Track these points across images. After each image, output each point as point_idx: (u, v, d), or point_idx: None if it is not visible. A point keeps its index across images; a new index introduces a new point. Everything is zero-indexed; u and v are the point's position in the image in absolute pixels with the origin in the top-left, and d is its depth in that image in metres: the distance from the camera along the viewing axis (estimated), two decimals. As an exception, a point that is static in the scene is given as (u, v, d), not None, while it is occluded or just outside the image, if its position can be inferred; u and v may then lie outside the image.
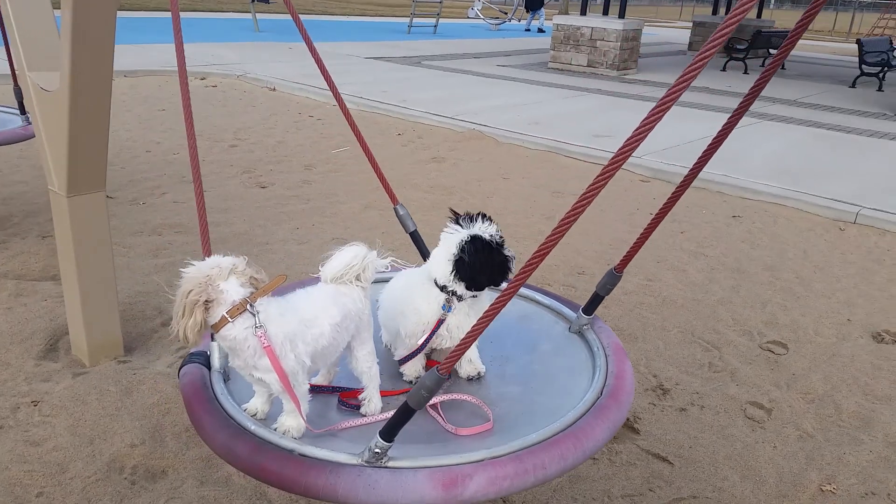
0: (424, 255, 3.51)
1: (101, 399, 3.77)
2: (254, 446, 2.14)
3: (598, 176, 1.75)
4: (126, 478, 3.25)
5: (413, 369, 2.74)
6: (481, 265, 2.54)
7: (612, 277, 2.78)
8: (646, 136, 1.70)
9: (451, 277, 2.55)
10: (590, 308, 2.89)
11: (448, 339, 2.69)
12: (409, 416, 1.96)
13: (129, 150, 8.53)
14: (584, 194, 1.74)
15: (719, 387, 4.19)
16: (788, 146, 9.76)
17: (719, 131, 2.30)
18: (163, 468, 3.33)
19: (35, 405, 3.70)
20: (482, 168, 8.60)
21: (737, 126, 1.62)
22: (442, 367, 1.89)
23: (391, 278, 2.98)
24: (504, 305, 1.86)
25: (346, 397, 2.57)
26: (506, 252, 2.59)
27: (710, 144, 2.37)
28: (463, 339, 1.91)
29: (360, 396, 2.50)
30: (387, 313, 2.82)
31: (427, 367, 2.81)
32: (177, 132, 9.39)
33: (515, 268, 2.58)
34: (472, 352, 2.78)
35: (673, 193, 2.48)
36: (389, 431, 2.00)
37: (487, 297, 2.71)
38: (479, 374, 2.77)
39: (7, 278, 5.06)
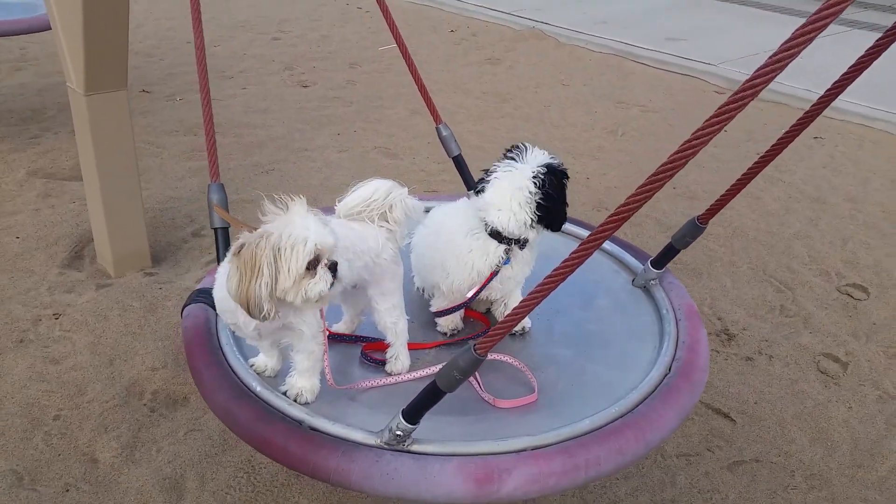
0: (468, 182, 3.11)
1: (123, 315, 3.58)
2: (257, 413, 1.87)
3: (725, 104, 1.30)
4: (145, 404, 3.07)
5: (450, 321, 2.40)
6: (563, 201, 2.18)
7: (694, 229, 2.35)
8: (799, 51, 1.24)
9: (530, 220, 2.16)
10: (661, 261, 2.49)
11: (499, 290, 2.34)
12: (439, 398, 1.64)
13: (169, 41, 8.12)
14: (700, 130, 1.31)
15: (791, 334, 3.79)
16: (882, 59, 8.77)
17: (865, 54, 1.81)
18: (185, 395, 3.14)
19: (56, 318, 3.53)
20: (540, 72, 7.97)
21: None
22: (480, 346, 1.55)
23: (429, 210, 2.60)
24: (568, 274, 1.48)
25: (369, 350, 2.27)
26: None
27: (851, 68, 1.87)
28: (509, 314, 1.54)
29: (387, 353, 2.19)
30: (423, 262, 2.46)
31: (465, 317, 2.48)
32: (220, 22, 8.92)
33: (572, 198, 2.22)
34: (518, 298, 2.43)
35: (787, 133, 2.01)
36: (414, 412, 1.69)
37: (532, 250, 2.34)
38: (523, 329, 2.43)
39: (36, 176, 4.85)
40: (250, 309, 1.68)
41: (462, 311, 2.42)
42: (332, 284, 1.77)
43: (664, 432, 1.91)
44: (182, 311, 2.34)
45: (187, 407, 3.07)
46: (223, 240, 2.36)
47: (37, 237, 4.16)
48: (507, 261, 2.24)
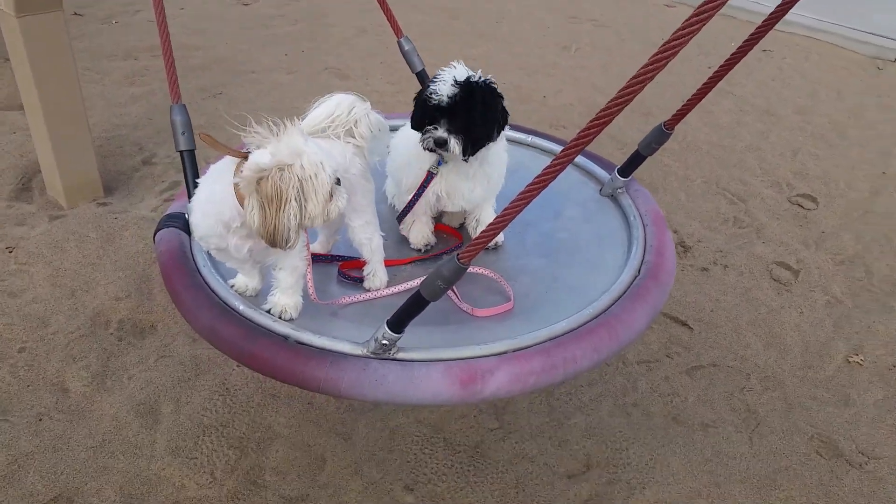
0: None
1: (80, 246, 3.49)
2: (242, 330, 1.87)
3: (690, 17, 1.30)
4: (112, 333, 3.04)
5: (420, 236, 2.42)
6: (412, 122, 2.16)
7: (660, 135, 2.39)
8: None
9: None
10: (627, 169, 2.53)
11: (447, 201, 2.35)
12: (422, 307, 1.67)
13: (97, -43, 7.62)
14: (667, 43, 1.30)
15: (744, 245, 3.94)
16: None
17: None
18: (151, 323, 3.11)
19: (10, 252, 3.42)
20: (490, -13, 7.80)
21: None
22: (463, 255, 1.57)
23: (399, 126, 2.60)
24: (546, 185, 1.50)
25: (346, 268, 2.28)
26: (432, 123, 2.13)
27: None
28: (491, 224, 1.56)
29: (364, 270, 2.21)
30: (393, 162, 2.48)
31: (436, 231, 2.50)
32: (149, -64, 8.38)
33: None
34: (490, 215, 2.46)
35: (746, 41, 2.03)
36: (398, 322, 1.72)
37: (493, 155, 2.34)
38: (496, 244, 2.47)
39: (-31, 106, 4.60)
40: (276, 239, 1.69)
41: (431, 225, 2.44)
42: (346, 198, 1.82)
43: (636, 330, 1.99)
44: (154, 236, 2.30)
45: (155, 335, 3.06)
46: (190, 163, 2.29)
47: (-23, 169, 3.98)
48: (440, 162, 2.26)
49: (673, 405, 2.93)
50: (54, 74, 3.51)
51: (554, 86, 5.60)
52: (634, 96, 1.39)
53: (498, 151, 2.36)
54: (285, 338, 1.87)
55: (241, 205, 1.73)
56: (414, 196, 2.32)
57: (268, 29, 6.23)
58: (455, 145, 2.11)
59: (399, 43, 3.12)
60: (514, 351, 1.85)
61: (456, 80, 2.09)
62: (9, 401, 2.69)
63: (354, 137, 2.09)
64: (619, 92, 1.37)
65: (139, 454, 2.55)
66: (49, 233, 3.56)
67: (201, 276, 2.06)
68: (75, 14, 6.13)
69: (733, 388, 3.03)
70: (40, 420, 2.63)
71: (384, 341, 1.75)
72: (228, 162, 1.80)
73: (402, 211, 2.40)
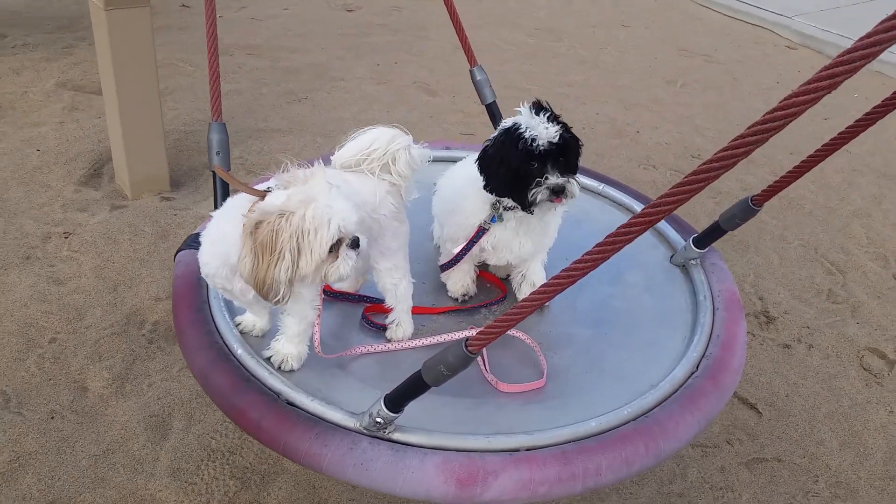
0: None
1: (133, 240, 3.47)
2: (234, 380, 1.71)
3: (821, 71, 0.97)
4: (144, 335, 2.97)
5: (459, 285, 2.19)
6: (500, 163, 1.90)
7: (746, 210, 2.07)
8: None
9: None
10: (704, 240, 2.21)
11: (493, 256, 2.11)
12: (423, 391, 1.45)
13: (218, -47, 7.84)
14: (791, 98, 0.97)
15: (836, 323, 3.48)
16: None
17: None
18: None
19: (66, 237, 3.44)
20: (599, 9, 7.48)
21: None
22: (473, 344, 1.33)
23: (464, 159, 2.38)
24: (606, 258, 1.21)
25: (371, 312, 2.09)
26: (540, 171, 1.86)
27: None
28: (521, 303, 1.29)
29: (387, 318, 2.01)
30: (440, 204, 2.27)
31: (479, 278, 2.26)
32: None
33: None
34: (537, 271, 2.20)
35: (875, 109, 1.66)
36: (396, 400, 1.50)
37: (553, 217, 2.08)
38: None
39: (65, 88, 4.73)
40: (264, 292, 1.54)
41: (473, 274, 2.21)
42: (353, 263, 1.63)
43: (680, 442, 1.68)
44: (175, 255, 2.20)
45: (186, 342, 2.96)
46: (222, 184, 2.19)
47: (57, 151, 4.06)
48: (493, 218, 2.02)
49: (723, 501, 2.57)
50: (133, 68, 3.52)
51: (652, 121, 5.25)
52: (739, 160, 1.06)
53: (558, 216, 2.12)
54: (277, 395, 1.69)
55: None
56: (460, 251, 2.09)
57: (366, 37, 6.17)
58: (574, 190, 1.88)
59: (472, 72, 2.91)
60: (528, 450, 1.58)
61: (552, 122, 1.86)
62: (27, 393, 2.65)
63: (391, 174, 1.90)
64: (720, 152, 1.05)
65: (139, 470, 2.44)
66: (107, 222, 3.56)
67: (209, 308, 1.93)
68: (183, 6, 6.27)
69: (796, 491, 2.64)
70: (52, 418, 2.57)
71: (378, 419, 1.53)
72: (244, 200, 1.64)
73: (445, 264, 2.18)
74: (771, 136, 1.01)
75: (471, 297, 2.24)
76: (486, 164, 1.95)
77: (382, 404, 1.51)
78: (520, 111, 1.93)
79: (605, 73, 5.98)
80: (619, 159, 4.70)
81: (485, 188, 1.96)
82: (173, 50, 5.43)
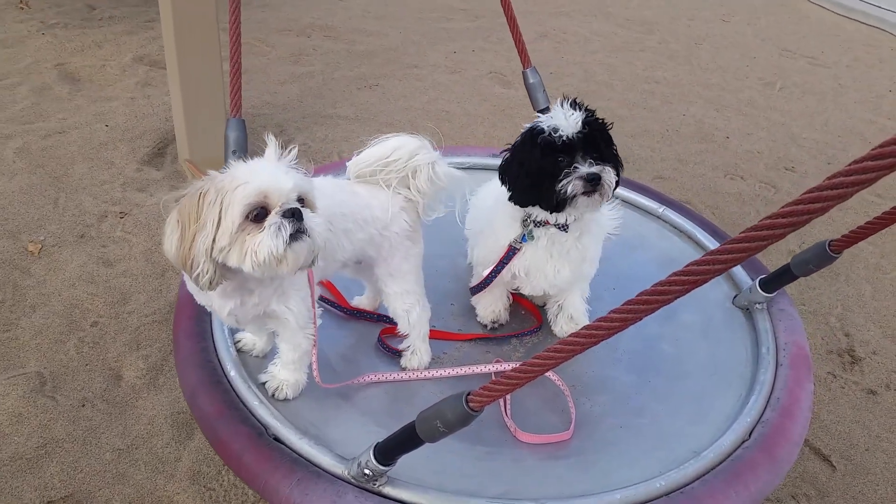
0: None
1: (186, 224, 3.42)
2: (220, 405, 1.59)
3: None
4: (186, 324, 2.92)
5: (489, 310, 2.01)
6: (521, 169, 1.71)
7: (822, 256, 1.80)
8: None
9: None
10: (773, 284, 1.95)
11: (527, 283, 1.90)
12: (417, 445, 1.29)
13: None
14: None
15: (936, 371, 3.10)
16: None
17: None
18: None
19: (122, 217, 3.43)
20: (698, 2, 7.03)
21: None
22: (474, 400, 1.16)
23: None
24: (669, 301, 0.99)
25: (388, 335, 1.92)
26: (568, 163, 1.65)
27: None
28: (539, 357, 1.10)
29: (402, 345, 1.85)
30: (472, 223, 2.10)
31: (515, 304, 2.07)
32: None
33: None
34: (576, 304, 1.99)
35: None
36: (387, 452, 1.34)
37: (594, 223, 1.86)
38: (576, 324, 2.01)
39: (141, 63, 4.76)
40: (188, 271, 1.35)
41: (506, 300, 2.02)
42: (291, 240, 1.35)
43: None
44: None
45: (226, 335, 2.89)
46: None
47: (124, 128, 4.07)
48: (524, 237, 1.82)
49: (785, 571, 2.30)
50: (196, 45, 3.47)
51: (743, 126, 4.86)
52: (845, 198, 0.83)
53: (599, 220, 1.89)
54: (265, 428, 1.56)
55: None
56: (489, 274, 1.90)
57: (446, 22, 5.98)
58: (610, 179, 1.67)
59: (524, 74, 2.71)
60: None
61: (577, 110, 1.68)
62: (63, 377, 2.63)
63: (409, 189, 1.73)
64: (826, 182, 0.82)
65: (160, 470, 2.38)
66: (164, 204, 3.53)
67: (210, 320, 1.82)
68: (265, -16, 6.24)
69: (873, 568, 2.34)
70: (83, 406, 2.54)
71: (366, 470, 1.38)
72: None
73: (475, 287, 2.00)
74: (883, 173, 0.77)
75: (501, 324, 2.06)
76: (508, 171, 1.76)
77: (372, 454, 1.36)
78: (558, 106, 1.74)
79: (696, 71, 5.59)
80: (703, 167, 4.36)
81: (510, 199, 1.77)
82: (250, 29, 5.40)
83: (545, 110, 2.62)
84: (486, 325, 2.04)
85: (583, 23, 6.17)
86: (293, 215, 1.35)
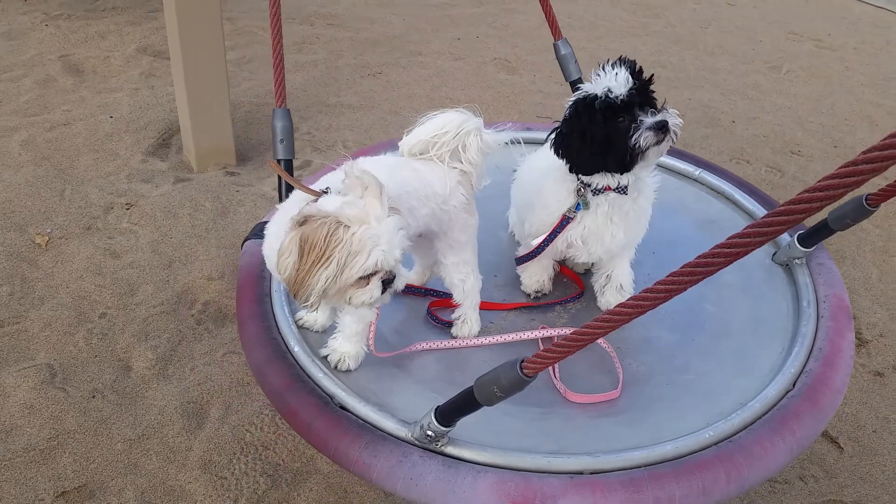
0: None
1: (193, 215, 3.43)
2: (288, 379, 1.68)
3: None
4: (193, 315, 2.93)
5: (535, 280, 2.06)
6: (582, 139, 1.72)
7: (859, 210, 1.82)
8: None
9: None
10: (811, 238, 1.99)
11: (583, 250, 1.93)
12: (475, 408, 1.36)
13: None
14: None
15: (944, 354, 3.09)
16: None
17: None
18: (234, 311, 2.97)
19: (128, 209, 3.44)
20: (704, -14, 6.97)
21: None
22: (528, 367, 1.22)
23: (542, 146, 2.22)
24: (715, 270, 1.01)
25: (437, 307, 2.00)
26: (622, 120, 1.68)
27: None
28: (592, 324, 1.12)
29: (453, 314, 1.93)
30: (519, 194, 2.14)
31: (560, 275, 2.10)
32: None
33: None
34: (624, 272, 2.02)
35: None
36: (448, 414, 1.41)
37: (646, 201, 1.87)
38: (619, 286, 2.05)
39: (145, 53, 4.76)
40: (297, 294, 1.47)
41: (552, 269, 2.06)
42: (380, 295, 1.54)
43: (767, 472, 1.49)
44: (242, 244, 2.17)
45: (233, 326, 2.91)
46: (287, 174, 2.12)
47: (129, 119, 4.07)
48: (578, 206, 1.84)
49: (793, 553, 2.31)
50: (200, 33, 3.46)
51: (749, 111, 4.83)
52: (878, 172, 0.84)
53: (650, 182, 1.92)
54: (330, 398, 1.64)
55: None
56: (542, 243, 1.93)
57: (450, 8, 5.95)
58: (675, 121, 1.70)
59: (556, 45, 2.73)
60: (593, 473, 1.45)
61: (617, 67, 1.71)
62: (73, 369, 2.65)
63: (461, 162, 1.79)
64: (861, 156, 0.85)
65: (171, 459, 2.40)
66: (169, 195, 3.54)
67: (271, 301, 1.90)
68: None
69: (881, 549, 2.35)
70: (93, 397, 2.56)
71: (429, 432, 1.45)
72: (302, 198, 1.60)
73: (523, 256, 2.03)
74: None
75: (545, 294, 2.10)
76: (566, 143, 1.77)
77: (433, 416, 1.43)
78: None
79: (702, 55, 5.56)
80: (709, 151, 4.34)
81: (571, 171, 1.80)
82: (254, 18, 5.38)
83: (578, 80, 2.64)
84: (529, 295, 2.09)
85: (588, 7, 6.13)
86: (388, 282, 1.54)
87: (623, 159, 1.71)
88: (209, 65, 3.55)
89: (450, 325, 1.95)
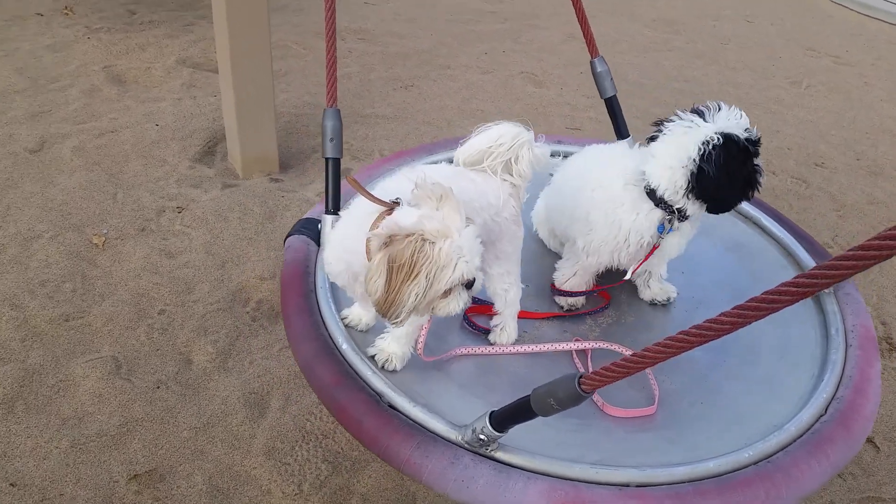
0: (620, 130, 2.73)
1: (242, 219, 3.55)
2: (337, 375, 1.71)
3: None
4: (248, 312, 3.04)
5: (573, 298, 2.13)
6: (731, 180, 1.79)
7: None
8: None
9: (682, 191, 1.84)
10: None
11: (651, 263, 2.04)
12: (530, 417, 1.40)
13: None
14: None
15: (974, 356, 3.18)
16: None
17: None
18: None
19: (179, 212, 3.56)
20: (721, 2, 7.13)
21: None
22: (587, 383, 1.26)
23: (572, 154, 2.31)
24: (761, 315, 1.04)
25: (473, 314, 2.04)
26: (756, 161, 1.82)
27: None
28: (653, 347, 1.17)
29: (492, 321, 1.97)
30: (560, 207, 2.18)
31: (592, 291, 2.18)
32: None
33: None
34: (662, 268, 2.12)
35: None
36: (503, 421, 1.46)
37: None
38: (668, 299, 2.15)
39: (184, 65, 4.91)
40: (388, 312, 1.49)
41: (591, 282, 2.13)
42: (464, 303, 1.59)
43: (803, 492, 1.55)
44: (285, 240, 2.22)
45: (286, 322, 3.02)
46: (334, 172, 2.18)
47: (174, 127, 4.21)
48: (669, 229, 1.93)
49: (837, 542, 2.39)
50: (249, 45, 3.59)
51: (772, 124, 4.95)
52: None
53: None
54: (379, 396, 1.67)
55: (369, 260, 1.55)
56: (634, 271, 2.02)
57: (475, 24, 6.10)
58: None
59: (592, 63, 2.79)
60: (640, 486, 1.49)
61: (733, 113, 1.88)
62: (136, 361, 2.76)
63: (511, 175, 1.84)
64: None
65: (236, 446, 2.50)
66: (218, 200, 3.66)
67: (316, 297, 1.94)
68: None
69: (922, 541, 2.43)
70: (158, 388, 2.67)
71: (482, 436, 1.49)
72: (372, 207, 1.62)
73: (573, 292, 2.10)
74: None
75: (577, 307, 2.17)
76: (716, 186, 1.81)
77: (487, 421, 1.47)
78: (680, 122, 1.87)
79: (723, 70, 5.69)
80: (734, 163, 4.46)
81: (712, 211, 1.89)
82: (287, 32, 5.54)
83: (612, 99, 2.73)
84: (562, 307, 2.16)
85: (610, 24, 6.28)
86: (470, 286, 1.57)
87: (751, 192, 1.84)
88: (257, 76, 3.68)
89: (486, 331, 1.99)
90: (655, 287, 2.17)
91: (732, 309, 1.06)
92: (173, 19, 5.55)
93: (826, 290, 2.08)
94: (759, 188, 1.85)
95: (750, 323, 1.06)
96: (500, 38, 5.86)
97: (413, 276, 1.43)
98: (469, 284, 1.56)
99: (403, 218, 1.49)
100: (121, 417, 2.54)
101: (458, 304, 1.55)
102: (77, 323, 2.89)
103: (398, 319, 1.49)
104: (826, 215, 4.01)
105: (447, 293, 1.52)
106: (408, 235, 1.44)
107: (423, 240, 1.44)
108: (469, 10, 6.36)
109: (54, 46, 4.95)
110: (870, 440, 2.77)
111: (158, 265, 3.22)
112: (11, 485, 2.30)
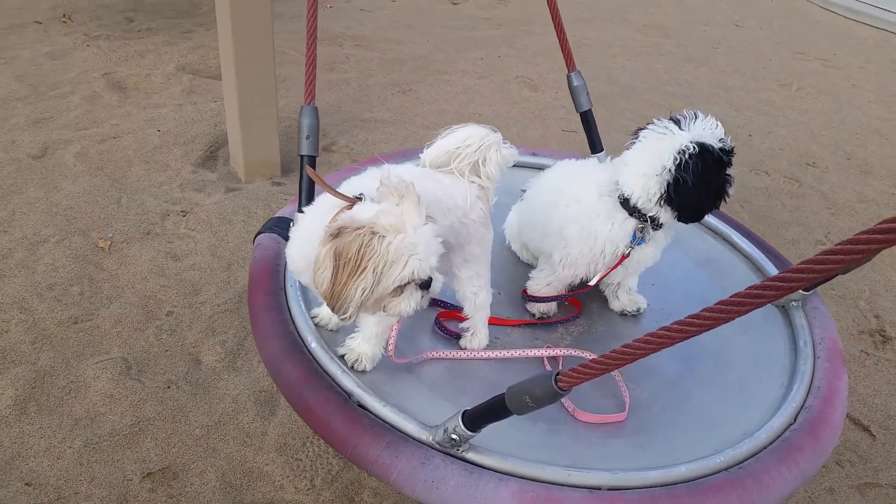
0: (594, 143, 2.79)
1: (246, 221, 3.59)
2: (305, 373, 1.69)
3: None
4: (254, 313, 3.08)
5: (546, 306, 2.15)
6: (706, 189, 1.81)
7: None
8: None
9: (656, 200, 1.85)
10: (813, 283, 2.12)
11: (620, 273, 2.07)
12: (504, 416, 1.40)
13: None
14: None
15: (966, 349, 3.26)
16: None
17: None
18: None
19: (184, 216, 3.60)
20: (712, 7, 7.24)
21: None
22: (563, 380, 1.26)
23: (546, 167, 2.32)
24: (734, 317, 1.11)
25: (445, 318, 2.05)
26: (728, 171, 1.85)
27: None
28: (628, 346, 1.18)
29: (461, 325, 1.98)
30: (532, 222, 2.19)
31: (566, 303, 2.21)
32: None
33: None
34: (634, 276, 2.16)
35: None
36: (476, 420, 1.45)
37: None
38: (638, 309, 2.18)
39: (184, 72, 4.95)
40: (335, 306, 1.46)
41: (563, 291, 2.17)
42: (419, 301, 1.54)
43: (774, 498, 1.57)
44: (255, 238, 2.21)
45: (293, 323, 3.05)
46: (307, 176, 2.19)
47: (176, 133, 4.25)
48: (641, 240, 1.94)
49: (837, 528, 2.45)
50: (253, 51, 3.64)
51: (764, 125, 5.04)
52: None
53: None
54: (349, 395, 1.66)
55: None
56: (600, 280, 2.03)
57: (471, 31, 6.18)
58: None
59: (569, 77, 2.82)
60: (612, 490, 1.50)
61: (706, 120, 1.86)
62: (146, 362, 2.79)
63: (479, 177, 1.83)
64: (877, 226, 0.86)
65: (248, 443, 2.53)
66: (222, 203, 3.70)
67: (286, 295, 1.92)
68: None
69: (920, 526, 2.49)
70: (168, 388, 2.70)
71: (454, 435, 1.47)
72: (332, 203, 1.58)
73: (546, 297, 2.12)
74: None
75: (549, 316, 2.19)
76: (688, 194, 1.81)
77: (460, 420, 1.46)
78: (655, 129, 1.86)
79: (714, 74, 5.78)
80: (727, 164, 4.54)
81: (682, 219, 1.89)
82: (285, 39, 5.59)
83: (587, 113, 2.77)
84: (534, 314, 2.17)
85: (603, 28, 6.37)
86: (425, 287, 1.53)
87: (720, 202, 1.86)
88: (260, 82, 3.73)
89: (458, 336, 1.98)
90: (624, 298, 2.18)
91: (715, 304, 1.10)
92: (171, 27, 5.59)
93: (795, 303, 2.12)
94: (728, 198, 1.87)
95: (732, 319, 1.10)
96: (496, 44, 5.94)
97: (359, 270, 1.41)
98: (425, 285, 1.51)
99: (360, 212, 1.47)
100: (133, 417, 2.57)
101: (410, 304, 1.50)
102: (86, 325, 2.92)
103: (346, 315, 1.46)
104: (819, 213, 4.09)
105: (398, 291, 1.48)
106: (357, 228, 1.41)
107: (373, 233, 1.41)
108: (464, 17, 6.44)
109: (54, 54, 4.98)
110: (866, 429, 2.84)
111: (165, 268, 3.26)
112: (27, 484, 2.33)
